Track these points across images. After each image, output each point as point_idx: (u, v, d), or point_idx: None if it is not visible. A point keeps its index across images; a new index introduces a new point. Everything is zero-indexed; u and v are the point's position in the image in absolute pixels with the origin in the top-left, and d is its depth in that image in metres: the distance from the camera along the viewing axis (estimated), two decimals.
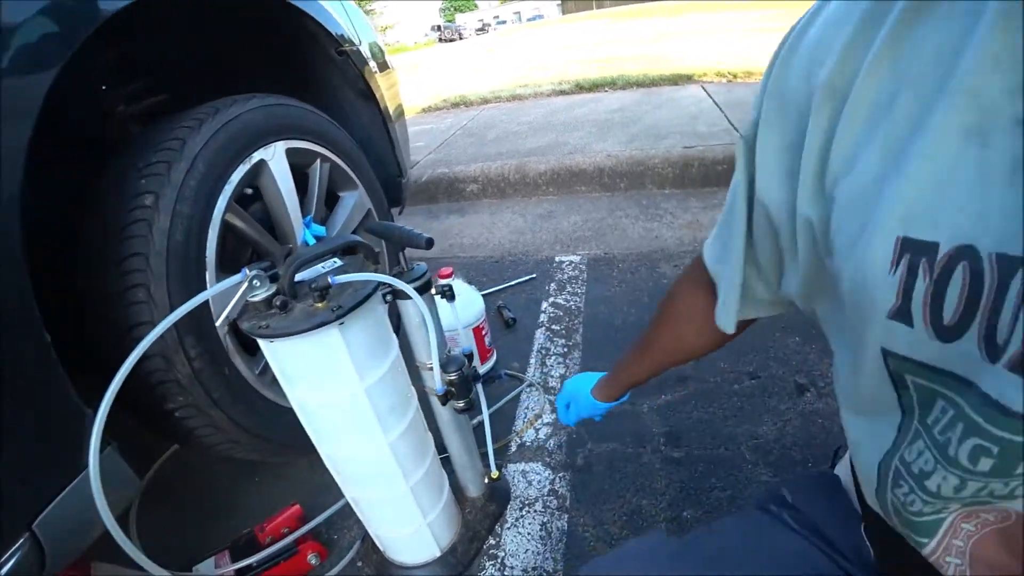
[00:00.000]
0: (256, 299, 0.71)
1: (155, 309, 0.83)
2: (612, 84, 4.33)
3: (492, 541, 1.08)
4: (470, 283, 1.99)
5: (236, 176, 0.98)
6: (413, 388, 0.91)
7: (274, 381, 0.87)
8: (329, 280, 0.68)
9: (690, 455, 1.18)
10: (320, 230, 1.25)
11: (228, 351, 0.94)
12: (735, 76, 4.01)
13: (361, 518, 0.99)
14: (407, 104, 4.79)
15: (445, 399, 0.87)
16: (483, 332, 1.49)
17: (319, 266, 0.81)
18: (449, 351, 0.94)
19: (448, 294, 0.88)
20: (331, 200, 1.39)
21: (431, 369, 0.89)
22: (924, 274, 0.28)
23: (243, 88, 1.12)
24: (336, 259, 0.82)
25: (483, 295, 1.91)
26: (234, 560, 1.06)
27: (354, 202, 1.39)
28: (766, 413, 1.26)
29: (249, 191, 1.10)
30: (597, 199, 2.65)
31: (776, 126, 0.37)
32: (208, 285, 0.92)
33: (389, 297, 0.83)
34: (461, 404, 0.91)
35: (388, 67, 1.67)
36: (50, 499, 0.68)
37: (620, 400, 0.83)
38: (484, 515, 1.11)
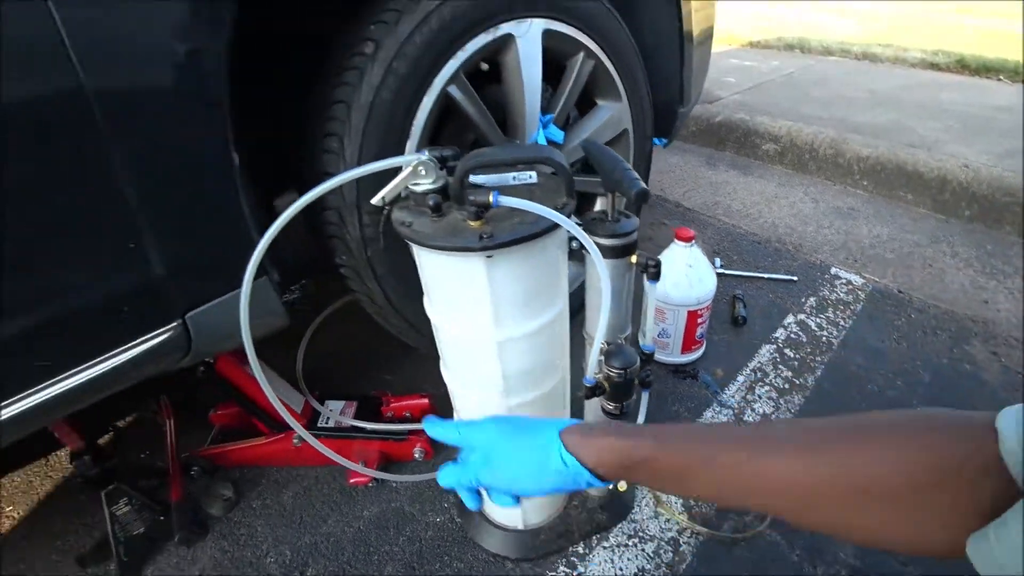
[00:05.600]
0: (417, 189, 0.60)
1: (342, 163, 0.79)
2: (1014, 72, 2.99)
3: (580, 549, 0.92)
4: (715, 255, 1.70)
5: (473, 45, 0.84)
6: (566, 361, 0.75)
7: None
8: (491, 199, 0.53)
9: None
10: (558, 135, 1.09)
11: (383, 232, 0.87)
12: None
13: None
14: (734, 32, 4.18)
15: (592, 393, 0.69)
16: (699, 319, 1.22)
17: (510, 175, 0.66)
18: (626, 338, 0.74)
19: (653, 272, 0.66)
20: (585, 106, 1.20)
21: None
22: None
23: None
24: (533, 174, 0.65)
25: (723, 274, 1.62)
26: (356, 416, 1.10)
27: (610, 115, 1.17)
28: None
29: (485, 67, 0.97)
30: (922, 217, 1.97)
31: None
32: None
33: (576, 245, 0.65)
34: (610, 407, 0.72)
35: None
36: (204, 302, 0.74)
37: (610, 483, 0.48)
38: (588, 519, 0.95)
